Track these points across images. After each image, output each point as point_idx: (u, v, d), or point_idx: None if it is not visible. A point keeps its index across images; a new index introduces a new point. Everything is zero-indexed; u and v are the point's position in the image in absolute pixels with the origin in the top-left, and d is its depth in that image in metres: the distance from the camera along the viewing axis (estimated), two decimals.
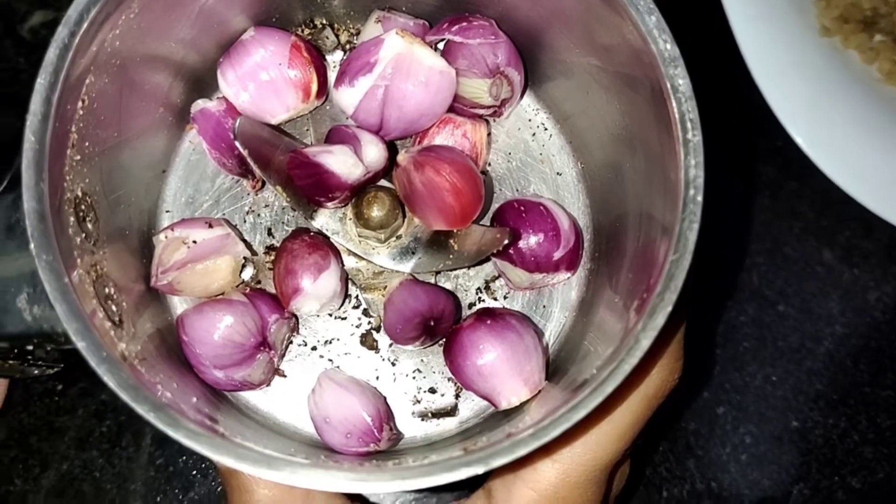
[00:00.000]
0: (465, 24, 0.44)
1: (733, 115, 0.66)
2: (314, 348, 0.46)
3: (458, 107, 0.45)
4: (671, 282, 0.35)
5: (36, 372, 0.43)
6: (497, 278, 0.47)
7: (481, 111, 0.46)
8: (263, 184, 0.47)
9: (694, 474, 0.61)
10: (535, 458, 0.40)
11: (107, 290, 0.38)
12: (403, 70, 0.42)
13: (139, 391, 0.33)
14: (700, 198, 0.35)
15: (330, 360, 0.46)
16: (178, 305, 0.46)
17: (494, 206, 0.47)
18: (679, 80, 0.36)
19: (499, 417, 0.44)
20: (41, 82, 0.34)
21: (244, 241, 0.46)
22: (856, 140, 0.62)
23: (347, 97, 0.43)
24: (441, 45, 0.45)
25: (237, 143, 0.41)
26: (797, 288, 0.65)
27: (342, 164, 0.42)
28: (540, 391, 0.43)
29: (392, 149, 0.45)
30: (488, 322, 0.43)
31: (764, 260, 0.65)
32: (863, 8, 0.65)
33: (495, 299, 0.47)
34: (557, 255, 0.44)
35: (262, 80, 0.44)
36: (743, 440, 0.62)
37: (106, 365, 0.33)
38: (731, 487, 0.61)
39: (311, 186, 0.43)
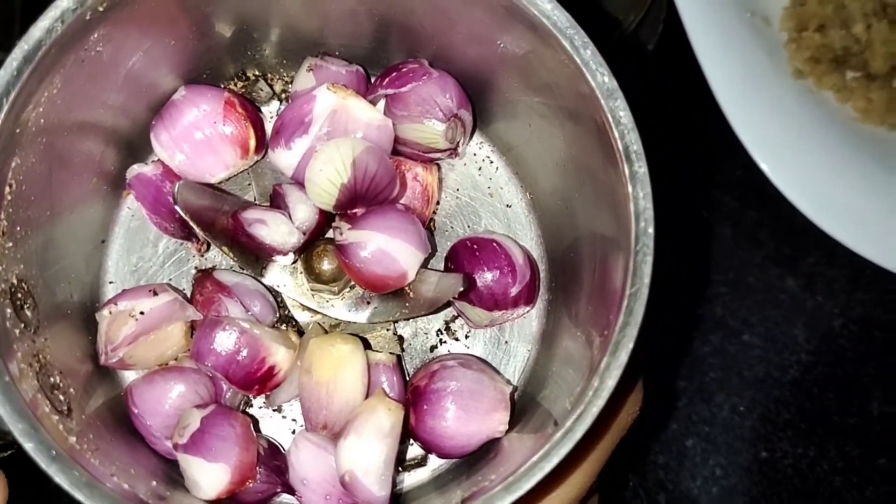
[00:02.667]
0: (395, 74, 0.43)
1: (693, 145, 0.67)
2: (277, 409, 0.45)
3: (411, 152, 0.45)
4: (630, 316, 0.34)
5: None
6: (456, 318, 0.46)
7: (436, 155, 0.45)
8: (209, 245, 0.45)
9: None
10: None
11: (52, 379, 0.36)
12: (340, 128, 0.42)
13: (94, 488, 0.31)
14: (651, 230, 0.35)
15: (294, 420, 0.45)
16: (129, 377, 0.44)
17: (447, 244, 0.46)
18: (620, 113, 0.36)
19: (471, 462, 0.43)
20: None
21: (190, 302, 0.45)
22: (829, 175, 0.63)
23: (285, 159, 0.42)
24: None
25: (178, 209, 0.40)
26: (761, 317, 0.65)
27: (276, 234, 0.41)
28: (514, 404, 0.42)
29: None
30: (429, 390, 0.42)
31: (727, 290, 0.65)
32: (834, 48, 0.66)
33: (457, 339, 0.46)
34: (514, 290, 0.44)
35: (198, 140, 0.43)
36: (713, 472, 0.62)
37: (57, 464, 0.31)
38: None
39: (255, 249, 0.42)
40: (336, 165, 0.40)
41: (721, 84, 0.64)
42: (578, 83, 0.37)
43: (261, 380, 0.41)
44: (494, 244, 0.44)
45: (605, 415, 0.34)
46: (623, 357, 0.34)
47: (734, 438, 0.62)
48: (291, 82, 0.47)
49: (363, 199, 0.41)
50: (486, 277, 0.43)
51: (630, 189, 0.35)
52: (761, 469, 0.62)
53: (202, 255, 0.46)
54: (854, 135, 0.65)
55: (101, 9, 0.36)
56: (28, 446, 0.31)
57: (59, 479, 0.31)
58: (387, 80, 0.44)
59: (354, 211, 0.41)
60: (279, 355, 0.41)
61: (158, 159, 0.44)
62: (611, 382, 0.34)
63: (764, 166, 0.63)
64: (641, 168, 0.35)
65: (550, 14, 0.36)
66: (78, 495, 0.31)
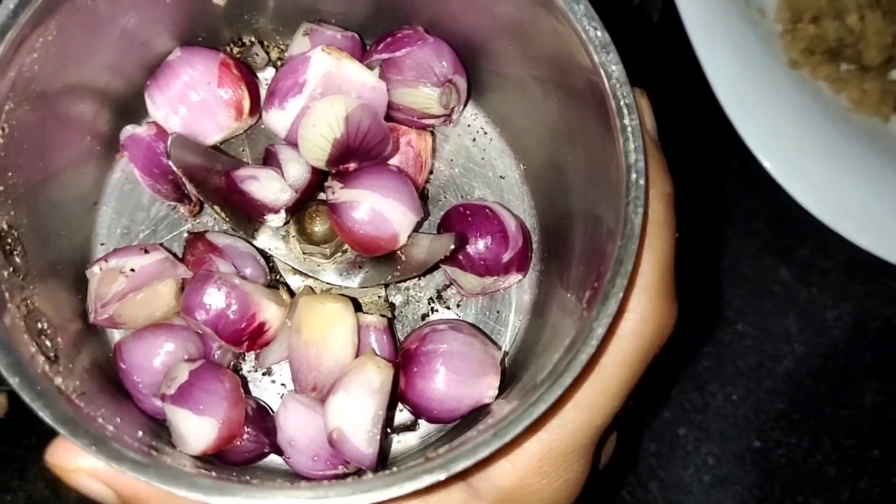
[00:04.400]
0: (389, 39, 0.43)
1: (688, 134, 0.67)
2: (266, 373, 0.45)
3: (405, 118, 0.45)
4: (620, 266, 0.34)
5: None
6: (448, 287, 0.46)
7: (430, 121, 0.45)
8: (201, 208, 0.45)
9: (657, 497, 0.61)
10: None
11: (39, 325, 0.36)
12: (334, 89, 0.42)
13: (78, 424, 0.31)
14: (643, 182, 0.35)
15: (283, 385, 0.45)
16: (117, 338, 0.44)
17: (439, 213, 0.46)
18: (612, 67, 0.36)
19: (459, 428, 0.43)
20: None
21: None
22: (824, 164, 0.63)
23: (279, 120, 0.42)
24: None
25: (170, 164, 0.40)
26: (755, 307, 0.65)
27: (268, 189, 0.41)
28: (504, 372, 0.42)
29: None
30: (419, 352, 0.42)
31: (721, 279, 0.65)
32: (828, 39, 0.66)
33: (448, 308, 0.46)
34: (506, 256, 0.44)
35: (193, 101, 0.43)
36: (705, 461, 0.61)
37: (41, 400, 0.31)
38: None
39: (246, 208, 0.42)
40: (329, 121, 0.40)
41: (717, 74, 0.64)
42: (572, 40, 0.37)
43: (250, 336, 0.40)
44: (487, 210, 0.44)
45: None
46: (612, 306, 0.34)
47: (727, 427, 0.62)
48: (286, 50, 0.47)
49: (356, 154, 0.41)
50: (478, 243, 0.43)
51: (622, 143, 0.35)
52: (754, 458, 0.61)
53: (195, 219, 0.46)
54: (848, 125, 0.65)
55: None
56: (13, 380, 0.31)
57: (43, 413, 0.31)
58: (381, 45, 0.44)
59: (347, 166, 0.41)
60: (269, 312, 0.41)
61: (152, 121, 0.44)
62: (600, 330, 0.34)
63: (760, 156, 0.63)
64: (633, 121, 0.35)
65: None
66: (61, 430, 0.31)
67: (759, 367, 0.63)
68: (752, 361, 0.63)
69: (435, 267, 0.44)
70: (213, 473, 0.33)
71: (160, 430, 0.41)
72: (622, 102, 0.36)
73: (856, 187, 0.63)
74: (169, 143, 0.40)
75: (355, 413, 0.38)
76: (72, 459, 0.34)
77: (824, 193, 0.63)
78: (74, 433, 0.31)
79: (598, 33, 0.36)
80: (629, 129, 0.35)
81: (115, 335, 0.44)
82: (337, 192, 0.41)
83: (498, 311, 0.46)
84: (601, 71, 0.36)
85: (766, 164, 0.63)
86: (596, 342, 0.34)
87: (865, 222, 0.62)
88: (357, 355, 0.41)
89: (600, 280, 0.35)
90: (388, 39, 0.44)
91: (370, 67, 0.44)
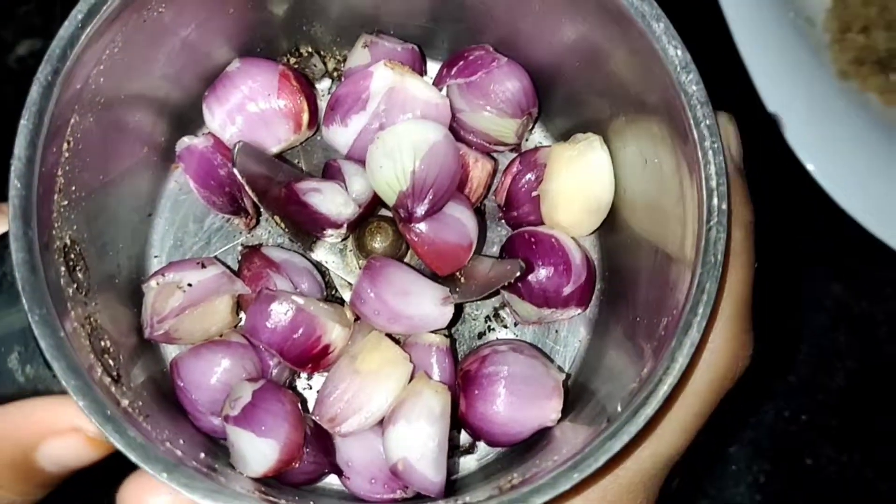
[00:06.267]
0: (462, 63, 0.42)
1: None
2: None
3: (476, 142, 0.44)
4: (703, 294, 0.33)
5: None
6: (506, 305, 0.45)
7: (501, 147, 0.44)
8: (258, 221, 0.45)
9: None
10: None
11: (103, 343, 0.35)
12: (398, 105, 0.41)
13: (149, 450, 0.30)
14: (725, 206, 0.34)
15: None
16: (171, 354, 0.43)
17: (496, 230, 0.45)
18: (693, 87, 0.35)
19: (519, 451, 0.42)
20: (25, 124, 0.32)
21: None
22: (876, 177, 0.62)
23: (341, 136, 0.42)
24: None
25: (235, 171, 0.39)
26: (808, 322, 0.64)
27: (331, 203, 0.40)
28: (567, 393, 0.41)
29: None
30: (480, 374, 0.41)
31: (773, 294, 0.64)
32: (878, 49, 0.65)
33: (505, 326, 0.45)
34: (567, 290, 0.42)
35: (251, 113, 0.42)
36: (756, 479, 0.60)
37: (111, 424, 0.30)
38: None
39: (306, 222, 0.41)
40: (396, 171, 0.39)
41: (766, 84, 0.63)
42: (649, 60, 0.36)
43: (315, 358, 0.40)
44: (553, 239, 0.43)
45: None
46: (695, 335, 0.33)
47: (778, 444, 0.61)
48: (344, 60, 0.46)
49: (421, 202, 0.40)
50: (539, 272, 0.42)
51: (702, 165, 0.34)
52: (806, 475, 0.60)
53: (250, 231, 0.45)
54: None
55: None
56: (82, 404, 0.30)
57: (114, 438, 0.30)
58: (455, 68, 0.43)
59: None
60: (334, 333, 0.40)
61: (209, 132, 0.43)
62: (682, 361, 0.33)
63: (810, 167, 0.62)
64: (715, 143, 0.34)
65: None
66: (134, 457, 0.30)
67: (811, 383, 0.62)
68: (803, 377, 0.62)
69: (495, 292, 0.43)
70: (281, 501, 0.32)
71: (216, 449, 0.40)
72: (703, 124, 0.34)
73: None
74: (235, 150, 0.39)
75: (419, 442, 0.37)
76: (145, 496, 0.33)
77: (875, 205, 0.61)
78: (146, 460, 0.30)
79: (679, 52, 0.35)
80: (710, 151, 0.34)
81: (169, 350, 0.43)
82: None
83: (556, 331, 0.45)
84: (681, 91, 0.35)
85: (816, 175, 0.62)
86: (677, 373, 0.32)
87: None
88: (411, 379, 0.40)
89: (679, 308, 0.34)
90: (461, 63, 0.43)
91: (440, 90, 0.43)
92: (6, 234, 0.32)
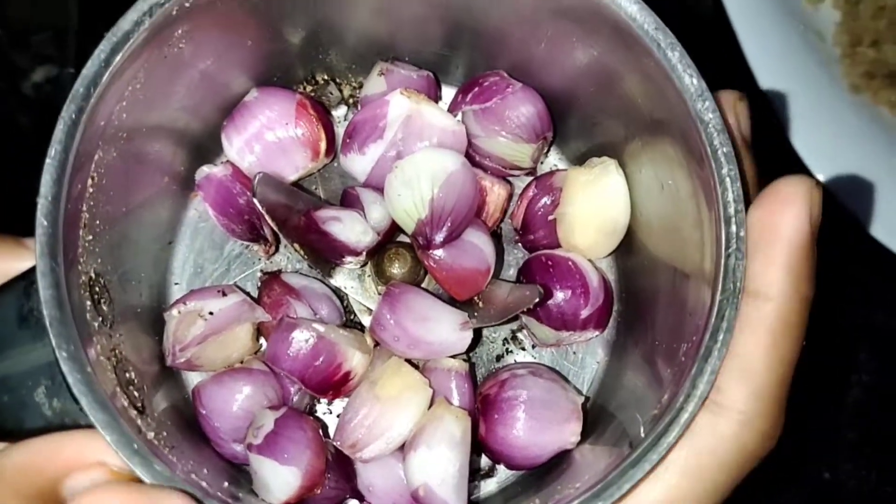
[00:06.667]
0: (477, 88, 0.43)
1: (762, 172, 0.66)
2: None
3: (492, 167, 0.44)
4: (723, 321, 0.33)
5: None
6: (524, 328, 0.46)
7: (517, 172, 0.45)
8: (277, 248, 0.45)
9: None
10: None
11: (128, 374, 0.35)
12: (415, 133, 0.41)
13: (175, 483, 0.31)
14: (743, 233, 0.34)
15: None
16: (192, 381, 0.44)
17: (512, 253, 0.46)
18: (709, 115, 0.35)
19: (539, 474, 0.42)
20: (50, 162, 0.32)
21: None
22: (887, 187, 0.62)
23: (359, 164, 0.42)
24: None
25: (255, 200, 0.39)
26: (823, 335, 0.63)
27: (351, 231, 0.41)
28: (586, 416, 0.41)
29: None
30: (500, 398, 0.41)
31: None
32: (888, 63, 0.65)
33: (523, 349, 0.45)
34: (585, 313, 0.42)
35: (269, 141, 0.43)
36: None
37: (138, 458, 0.31)
38: None
39: (326, 250, 0.42)
40: (415, 199, 0.39)
41: (777, 98, 0.63)
42: (664, 88, 0.36)
43: (336, 385, 0.40)
44: (570, 262, 0.43)
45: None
46: (716, 362, 0.33)
47: (797, 459, 0.61)
48: (360, 87, 0.47)
49: (439, 230, 0.40)
50: (557, 296, 0.42)
51: (720, 192, 0.35)
52: (825, 491, 0.60)
53: (269, 258, 0.45)
54: None
55: (186, 4, 0.36)
56: (110, 438, 0.31)
57: (141, 472, 0.30)
58: (470, 94, 0.43)
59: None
60: (355, 360, 0.40)
61: (227, 161, 0.44)
62: (703, 388, 0.33)
63: (820, 177, 0.62)
64: (732, 171, 0.34)
65: (637, 16, 0.36)
66: None
67: (828, 398, 0.62)
68: (821, 392, 0.62)
69: (513, 317, 0.43)
70: None
71: (239, 475, 0.40)
72: (720, 151, 0.35)
73: None
74: (255, 181, 0.39)
75: (440, 467, 0.38)
76: None
77: (888, 218, 0.61)
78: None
79: (695, 81, 0.35)
80: (728, 179, 0.34)
81: (190, 380, 0.43)
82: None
83: (574, 353, 0.45)
84: (697, 119, 0.35)
85: (828, 187, 0.62)
86: (699, 400, 0.33)
87: None
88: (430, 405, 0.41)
89: (699, 334, 0.34)
90: (476, 89, 0.43)
91: (455, 116, 0.43)
92: (32, 270, 0.33)
